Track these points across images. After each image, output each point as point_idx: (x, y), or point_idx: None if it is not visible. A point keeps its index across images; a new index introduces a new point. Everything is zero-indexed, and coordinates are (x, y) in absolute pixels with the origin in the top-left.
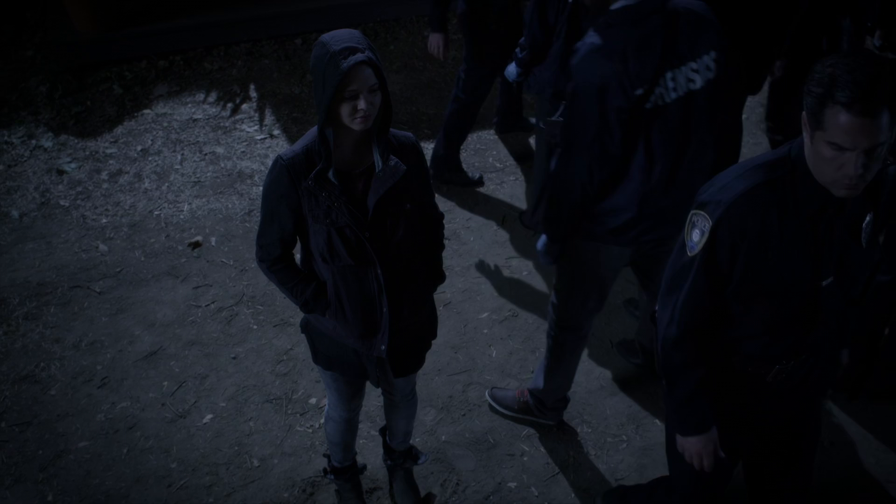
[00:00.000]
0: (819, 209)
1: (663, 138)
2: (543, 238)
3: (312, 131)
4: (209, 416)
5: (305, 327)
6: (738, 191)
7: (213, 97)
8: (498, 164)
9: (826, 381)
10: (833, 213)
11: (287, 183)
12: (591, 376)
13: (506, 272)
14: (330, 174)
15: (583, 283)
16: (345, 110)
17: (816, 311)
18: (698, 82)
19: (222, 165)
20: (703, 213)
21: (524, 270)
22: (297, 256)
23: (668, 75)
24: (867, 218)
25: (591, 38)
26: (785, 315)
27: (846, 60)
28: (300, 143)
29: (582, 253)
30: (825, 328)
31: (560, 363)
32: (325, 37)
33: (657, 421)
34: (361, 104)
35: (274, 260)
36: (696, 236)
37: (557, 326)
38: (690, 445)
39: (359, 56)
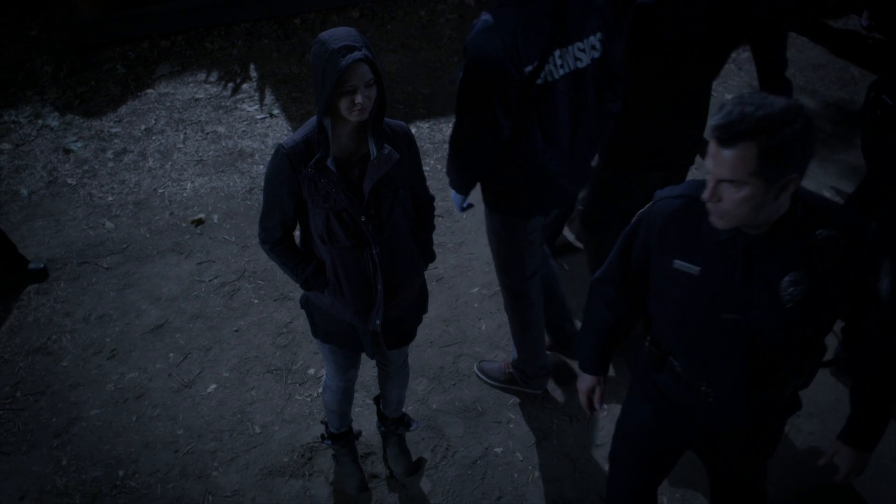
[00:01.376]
0: (731, 240)
1: (554, 113)
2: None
3: (312, 121)
4: (213, 386)
5: (305, 303)
6: (668, 195)
7: (214, 77)
8: None
9: (748, 419)
10: (742, 250)
11: (288, 170)
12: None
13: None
14: (328, 162)
15: (512, 254)
16: (343, 104)
17: (718, 345)
18: (585, 61)
19: (223, 144)
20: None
21: None
22: (296, 235)
23: (557, 53)
24: (795, 277)
25: (485, 16)
26: (689, 336)
27: (747, 93)
28: (300, 133)
29: (501, 227)
30: (732, 364)
31: (523, 331)
32: (324, 35)
33: None
34: (359, 98)
35: (276, 242)
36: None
37: (507, 296)
38: (579, 378)
39: (356, 54)
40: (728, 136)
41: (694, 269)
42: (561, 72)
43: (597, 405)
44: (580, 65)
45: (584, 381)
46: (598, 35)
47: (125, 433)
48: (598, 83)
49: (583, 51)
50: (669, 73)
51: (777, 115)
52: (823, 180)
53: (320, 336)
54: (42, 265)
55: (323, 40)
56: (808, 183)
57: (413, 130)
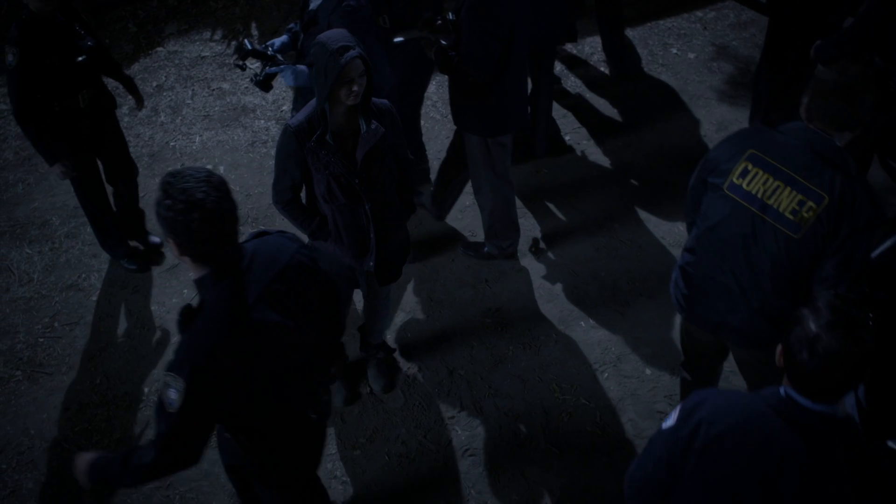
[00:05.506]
0: None
1: None
2: None
3: (312, 103)
4: None
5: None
6: None
7: (218, 35)
8: None
9: None
10: None
11: (295, 144)
12: (531, 287)
13: (468, 200)
14: (328, 137)
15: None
16: (343, 92)
17: None
18: None
19: (228, 100)
20: None
21: None
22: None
23: None
24: None
25: None
26: None
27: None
28: (303, 114)
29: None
30: None
31: (507, 206)
32: (322, 38)
33: (582, 323)
34: (355, 87)
35: (287, 202)
36: None
37: (497, 180)
38: None
39: (353, 52)
40: None
41: None
42: None
43: None
44: None
45: None
46: None
47: (149, 357)
48: None
49: None
50: (510, 56)
51: (159, 200)
52: None
53: None
54: (159, 240)
55: (322, 42)
56: None
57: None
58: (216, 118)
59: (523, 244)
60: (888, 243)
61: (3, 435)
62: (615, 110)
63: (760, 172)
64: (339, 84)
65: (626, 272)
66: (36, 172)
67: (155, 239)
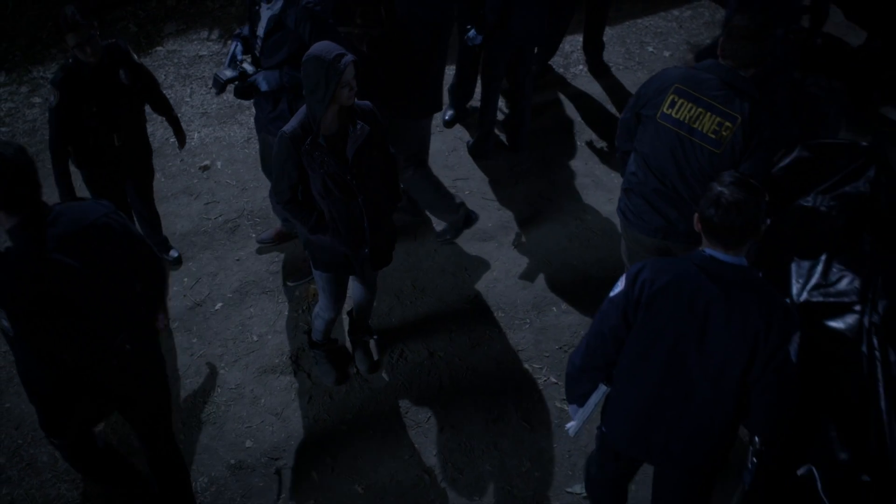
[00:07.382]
0: None
1: None
2: None
3: (302, 109)
4: (219, 304)
5: (307, 244)
6: None
7: (215, 35)
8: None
9: None
10: None
11: (291, 148)
12: (508, 275)
13: (452, 191)
14: (320, 139)
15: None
16: (343, 94)
17: None
18: None
19: (225, 98)
20: None
21: (466, 190)
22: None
23: None
24: None
25: None
26: None
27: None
28: (296, 120)
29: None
30: None
31: (437, 190)
32: (315, 51)
33: (554, 308)
34: (353, 88)
35: (287, 201)
36: None
37: (419, 170)
38: None
39: (348, 57)
40: None
41: None
42: None
43: None
44: None
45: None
46: None
47: None
48: None
49: None
50: (439, 42)
51: None
52: None
53: (321, 267)
54: (177, 254)
55: (317, 55)
56: None
57: None
58: (213, 115)
59: (506, 235)
60: (786, 160)
61: (19, 413)
62: (591, 106)
63: (685, 102)
64: (339, 87)
65: (597, 261)
66: (43, 168)
67: (174, 253)
